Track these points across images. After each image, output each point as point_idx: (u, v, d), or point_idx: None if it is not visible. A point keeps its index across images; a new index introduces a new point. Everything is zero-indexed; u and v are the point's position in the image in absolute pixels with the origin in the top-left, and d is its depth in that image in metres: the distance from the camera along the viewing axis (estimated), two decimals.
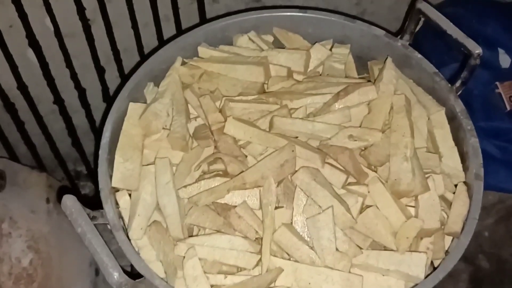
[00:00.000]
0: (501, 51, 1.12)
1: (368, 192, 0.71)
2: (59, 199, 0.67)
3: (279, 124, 0.73)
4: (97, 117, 1.31)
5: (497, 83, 1.08)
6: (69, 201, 0.65)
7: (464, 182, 0.74)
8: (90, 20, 1.09)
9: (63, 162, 1.42)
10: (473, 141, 0.74)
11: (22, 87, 1.13)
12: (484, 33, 1.13)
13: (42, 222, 1.19)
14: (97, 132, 1.35)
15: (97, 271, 1.33)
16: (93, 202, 0.73)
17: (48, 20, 1.09)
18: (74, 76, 1.17)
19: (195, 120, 0.81)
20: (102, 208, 0.70)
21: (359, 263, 0.68)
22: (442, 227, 0.71)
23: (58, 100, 1.19)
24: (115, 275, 0.61)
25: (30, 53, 1.16)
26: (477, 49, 0.76)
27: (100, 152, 0.75)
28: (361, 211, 0.71)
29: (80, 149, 1.39)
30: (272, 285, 0.66)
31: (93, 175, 1.48)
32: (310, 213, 0.68)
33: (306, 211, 0.68)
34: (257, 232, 0.69)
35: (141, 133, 0.78)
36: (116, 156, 0.75)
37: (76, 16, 1.09)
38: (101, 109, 1.27)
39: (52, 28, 1.10)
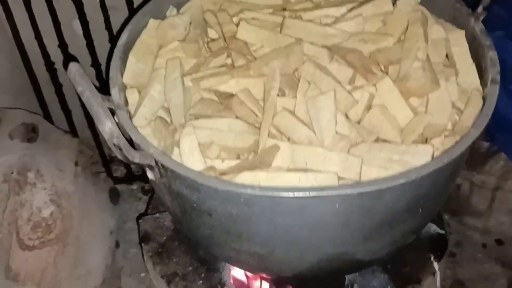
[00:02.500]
0: None
1: (376, 90, 0.68)
2: (66, 67, 0.68)
3: (290, 24, 0.73)
4: None
5: None
6: (75, 67, 0.66)
7: None
8: None
9: (100, 145, 1.45)
10: (491, 54, 0.72)
11: (63, 45, 1.19)
12: None
13: (68, 181, 1.21)
14: None
15: (117, 244, 1.32)
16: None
17: None
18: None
19: (212, 41, 0.82)
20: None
21: (360, 154, 0.64)
22: (453, 129, 0.67)
23: (96, 64, 1.24)
24: (108, 124, 0.61)
25: (76, 24, 1.22)
26: None
27: (115, 50, 0.77)
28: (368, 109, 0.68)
29: None
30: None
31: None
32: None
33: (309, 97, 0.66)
34: (257, 120, 0.68)
35: (157, 43, 0.79)
36: (129, 57, 0.77)
37: None
38: None
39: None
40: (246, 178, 0.61)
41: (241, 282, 0.95)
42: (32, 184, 1.15)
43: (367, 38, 0.72)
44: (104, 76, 1.28)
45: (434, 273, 0.86)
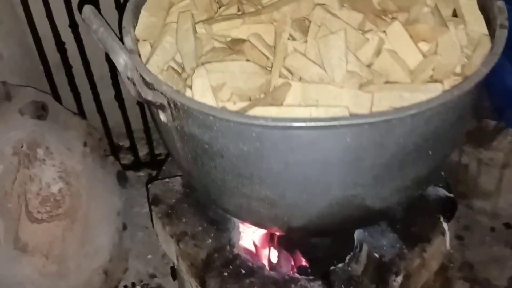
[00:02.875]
0: None
1: (386, 35, 0.69)
2: (80, 9, 0.69)
3: None
4: None
5: None
6: (89, 9, 0.67)
7: None
8: None
9: (108, 132, 1.45)
10: (499, 3, 0.72)
11: (74, 25, 1.20)
12: None
13: (77, 161, 1.21)
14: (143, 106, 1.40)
15: (125, 226, 1.32)
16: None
17: None
18: None
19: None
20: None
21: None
22: (463, 71, 0.68)
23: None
24: (122, 55, 0.61)
25: None
26: None
27: (127, 4, 0.78)
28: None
29: (126, 119, 1.43)
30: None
31: (134, 149, 1.51)
32: None
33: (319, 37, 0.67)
34: (269, 63, 0.68)
35: (168, 0, 0.81)
36: (142, 11, 0.78)
37: None
38: None
39: None
40: (258, 113, 0.62)
41: (250, 251, 0.95)
42: (41, 160, 1.15)
43: None
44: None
45: (443, 233, 0.85)
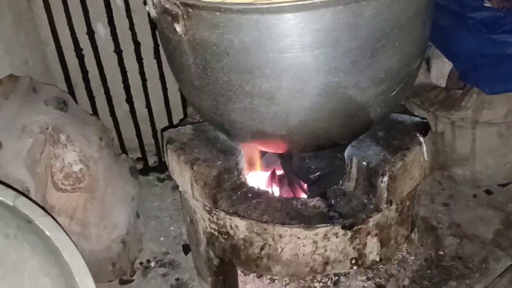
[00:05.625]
0: None
1: None
2: None
3: None
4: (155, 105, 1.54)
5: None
6: None
7: None
8: None
9: (121, 141, 1.60)
10: None
11: (91, 33, 1.39)
12: None
13: (94, 150, 1.36)
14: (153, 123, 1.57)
15: (137, 215, 1.43)
16: None
17: None
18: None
19: None
20: None
21: None
22: None
23: (118, 49, 1.43)
24: None
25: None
26: None
27: None
28: None
29: (137, 128, 1.58)
30: None
31: (144, 157, 1.65)
32: None
33: None
34: None
35: None
36: None
37: None
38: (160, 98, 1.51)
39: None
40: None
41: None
42: (64, 145, 1.29)
43: None
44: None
45: (421, 144, 0.99)
